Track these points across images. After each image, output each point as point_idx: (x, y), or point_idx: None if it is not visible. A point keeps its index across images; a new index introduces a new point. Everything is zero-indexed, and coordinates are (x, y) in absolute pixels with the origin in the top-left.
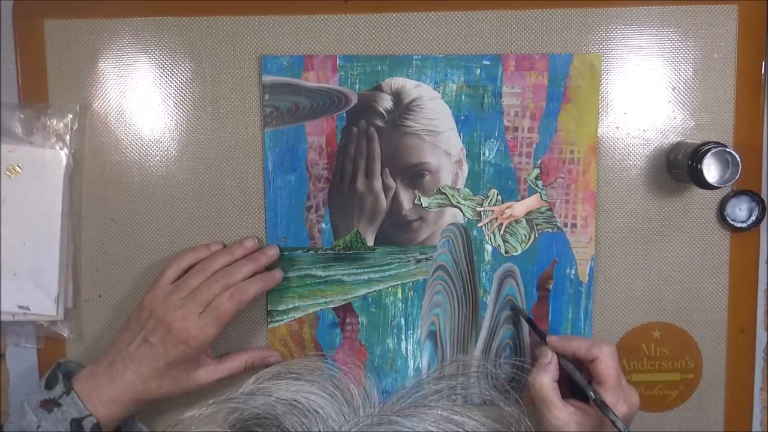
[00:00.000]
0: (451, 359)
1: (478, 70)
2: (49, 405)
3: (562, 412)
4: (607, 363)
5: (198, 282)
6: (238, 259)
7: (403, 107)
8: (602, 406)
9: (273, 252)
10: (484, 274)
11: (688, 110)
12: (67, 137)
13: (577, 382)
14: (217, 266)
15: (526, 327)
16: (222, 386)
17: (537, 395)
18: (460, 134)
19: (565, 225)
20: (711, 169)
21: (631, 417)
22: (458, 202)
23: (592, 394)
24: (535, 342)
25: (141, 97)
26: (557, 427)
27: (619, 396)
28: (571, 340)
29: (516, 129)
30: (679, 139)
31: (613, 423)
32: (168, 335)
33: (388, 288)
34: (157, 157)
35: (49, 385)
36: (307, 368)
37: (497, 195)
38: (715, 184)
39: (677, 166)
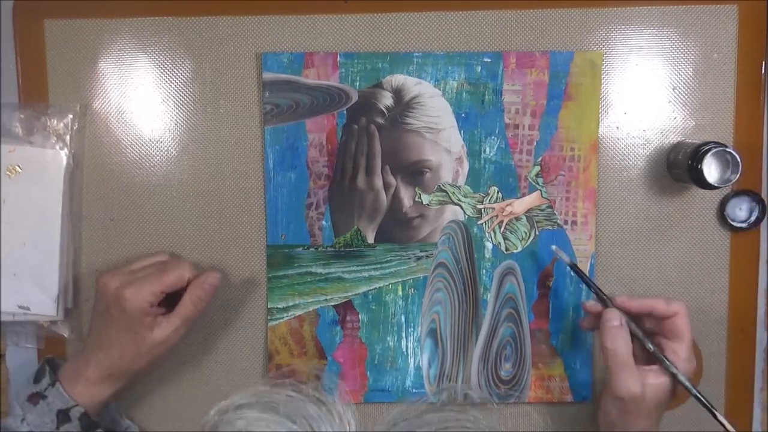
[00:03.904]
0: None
1: (479, 68)
2: (35, 398)
3: (639, 379)
4: (685, 318)
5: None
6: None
7: (403, 104)
8: (662, 359)
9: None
10: (484, 271)
11: (688, 110)
12: (67, 137)
13: (637, 336)
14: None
15: (526, 325)
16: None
17: (614, 360)
18: (460, 132)
19: (566, 222)
20: (711, 169)
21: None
22: (459, 200)
23: (651, 346)
24: (536, 337)
25: (141, 97)
26: (635, 395)
27: (691, 352)
28: (644, 300)
29: (517, 126)
30: (679, 139)
31: (674, 375)
32: (110, 298)
33: (388, 285)
34: (157, 157)
35: (37, 379)
36: (277, 399)
37: (498, 192)
38: (715, 184)
39: (677, 166)
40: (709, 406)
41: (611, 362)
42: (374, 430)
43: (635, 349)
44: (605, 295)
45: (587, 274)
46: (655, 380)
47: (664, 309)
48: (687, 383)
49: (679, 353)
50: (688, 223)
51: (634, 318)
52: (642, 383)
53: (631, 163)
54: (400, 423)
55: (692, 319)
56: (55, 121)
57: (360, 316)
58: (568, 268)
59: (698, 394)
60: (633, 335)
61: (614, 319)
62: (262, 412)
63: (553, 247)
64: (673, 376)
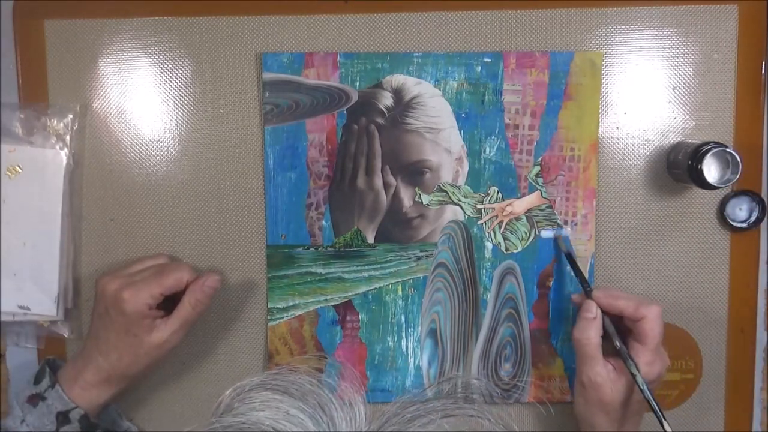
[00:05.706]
0: (435, 381)
1: (479, 68)
2: (35, 399)
3: (603, 369)
4: (652, 323)
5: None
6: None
7: (403, 105)
8: (626, 357)
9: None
10: (484, 271)
11: (688, 110)
12: (67, 137)
13: (606, 329)
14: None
15: (526, 325)
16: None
17: (582, 350)
18: (460, 132)
19: (566, 222)
20: (711, 169)
21: (659, 381)
22: (459, 200)
23: (618, 343)
24: (536, 337)
25: (141, 97)
26: (595, 384)
27: (656, 357)
28: (618, 299)
29: (516, 126)
30: (679, 139)
31: (633, 376)
32: (109, 301)
33: (388, 285)
34: (157, 157)
35: (37, 380)
36: (291, 381)
37: (497, 192)
38: (715, 184)
39: (677, 166)
40: (659, 412)
41: (578, 352)
42: (383, 413)
43: (610, 347)
44: (588, 286)
45: (582, 270)
46: (615, 376)
47: (632, 312)
48: (642, 385)
49: (640, 356)
50: (688, 223)
51: (613, 314)
52: (605, 375)
53: (631, 163)
54: (409, 408)
55: (692, 318)
56: (55, 121)
57: (360, 316)
58: (568, 267)
59: (651, 399)
60: (605, 329)
61: (588, 311)
62: (277, 394)
63: (562, 233)
64: (633, 377)
